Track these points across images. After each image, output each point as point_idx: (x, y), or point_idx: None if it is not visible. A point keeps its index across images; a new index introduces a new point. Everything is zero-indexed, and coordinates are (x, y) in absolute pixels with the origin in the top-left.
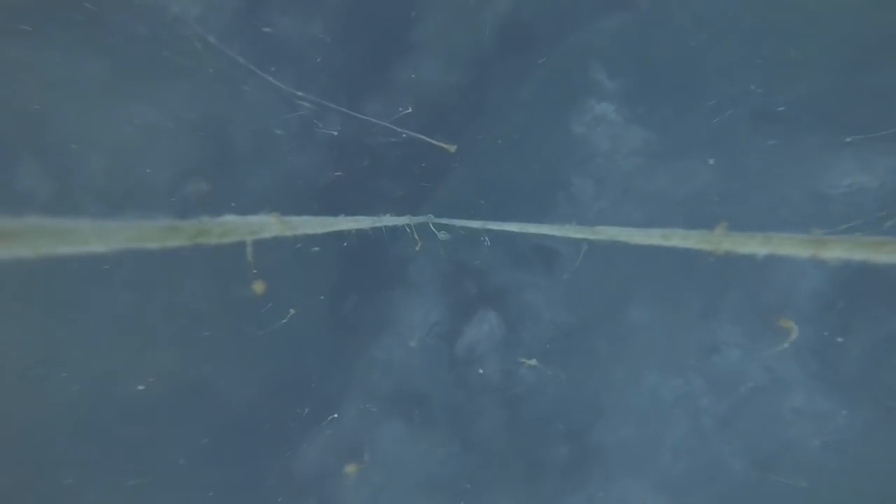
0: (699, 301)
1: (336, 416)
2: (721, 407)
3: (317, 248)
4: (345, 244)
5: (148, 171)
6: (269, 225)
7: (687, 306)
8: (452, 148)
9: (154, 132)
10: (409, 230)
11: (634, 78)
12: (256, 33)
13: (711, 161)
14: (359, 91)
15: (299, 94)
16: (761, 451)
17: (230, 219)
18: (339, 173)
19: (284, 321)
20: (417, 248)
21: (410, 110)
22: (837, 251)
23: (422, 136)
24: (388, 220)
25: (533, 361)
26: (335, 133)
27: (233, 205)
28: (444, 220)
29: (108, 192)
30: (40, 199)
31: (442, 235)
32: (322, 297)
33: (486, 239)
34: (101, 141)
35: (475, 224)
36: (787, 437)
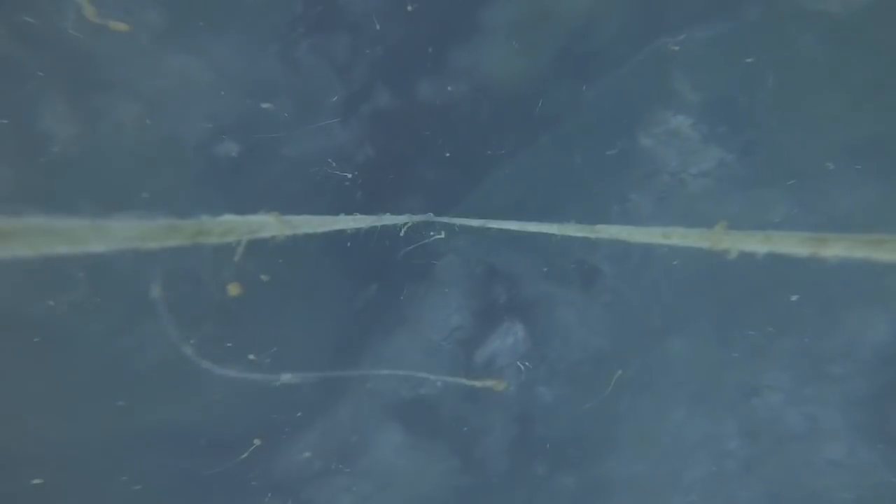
0: (749, 340)
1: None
2: (749, 451)
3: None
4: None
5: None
6: (269, 224)
7: (734, 344)
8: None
9: None
10: (407, 229)
11: (722, 94)
12: None
13: (790, 182)
14: (413, 75)
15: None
16: (783, 501)
17: (230, 218)
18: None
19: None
20: (434, 237)
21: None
22: (837, 249)
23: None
24: (389, 220)
25: (441, 234)
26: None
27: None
28: (444, 220)
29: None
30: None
31: (433, 234)
32: (334, 293)
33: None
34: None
35: (475, 223)
36: (815, 487)
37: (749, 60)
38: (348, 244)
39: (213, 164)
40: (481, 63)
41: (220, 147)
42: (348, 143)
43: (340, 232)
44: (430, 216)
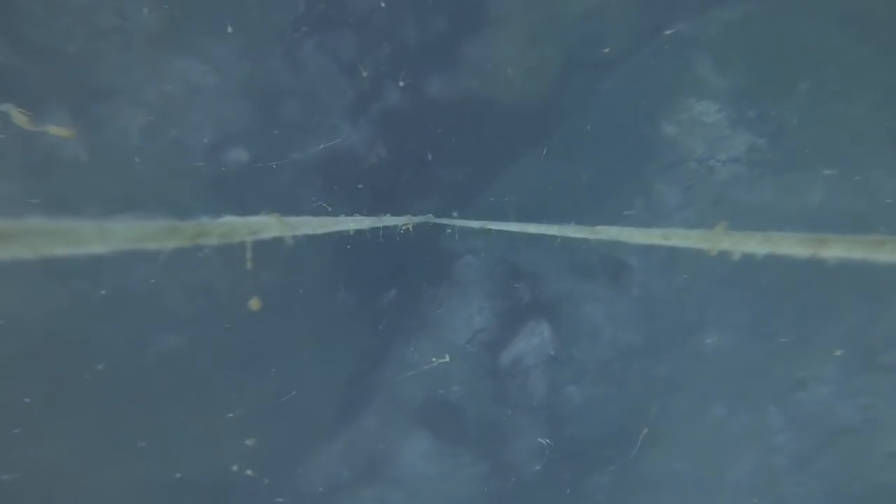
0: (789, 331)
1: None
2: (799, 446)
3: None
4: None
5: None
6: (270, 225)
7: (773, 336)
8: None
9: None
10: (408, 229)
11: (750, 76)
12: None
13: (828, 172)
14: (426, 70)
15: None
16: (844, 495)
17: (230, 219)
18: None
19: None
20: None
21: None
22: (837, 250)
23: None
24: (389, 220)
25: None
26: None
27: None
28: (443, 220)
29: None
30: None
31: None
32: (350, 294)
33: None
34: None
35: (475, 224)
36: (877, 481)
37: (775, 40)
38: (361, 251)
39: (218, 169)
40: (492, 57)
41: (226, 152)
42: (359, 145)
43: (352, 238)
44: (431, 217)
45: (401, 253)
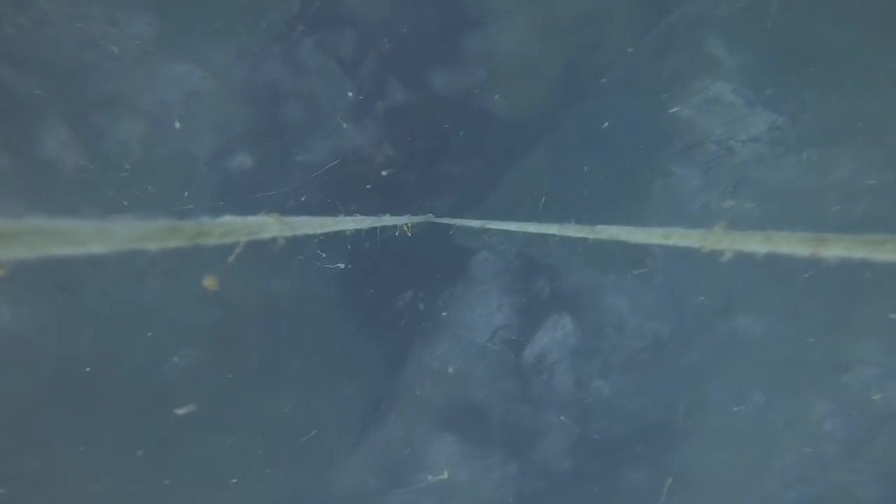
0: (827, 313)
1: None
2: (848, 432)
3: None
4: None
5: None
6: (269, 225)
7: (810, 319)
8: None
9: None
10: (406, 229)
11: (764, 55)
12: None
13: (852, 148)
14: (426, 66)
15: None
16: None
17: (229, 219)
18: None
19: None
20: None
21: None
22: (837, 249)
23: None
24: (388, 220)
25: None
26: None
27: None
28: (443, 220)
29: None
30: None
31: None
32: (371, 293)
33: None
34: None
35: (475, 223)
36: None
37: (787, 16)
38: (371, 252)
39: (222, 175)
40: (496, 48)
41: (229, 157)
42: (365, 145)
43: (361, 239)
44: (430, 217)
45: (412, 252)
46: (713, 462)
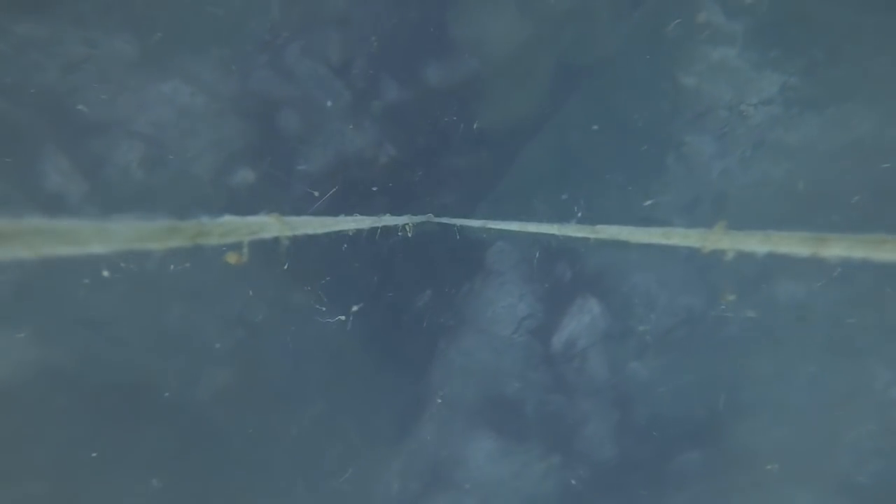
0: (879, 271)
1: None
2: None
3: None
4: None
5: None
6: (269, 225)
7: (861, 279)
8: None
9: None
10: (407, 229)
11: (763, 18)
12: None
13: (872, 100)
14: (417, 59)
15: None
16: None
17: (230, 219)
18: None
19: (343, 319)
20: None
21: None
22: (837, 249)
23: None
24: (389, 220)
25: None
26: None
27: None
28: (443, 220)
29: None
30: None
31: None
32: (390, 294)
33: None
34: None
35: (475, 223)
36: None
37: None
38: (380, 252)
39: (227, 192)
40: (487, 33)
41: (231, 173)
42: (366, 147)
43: (368, 239)
44: (430, 216)
45: (423, 251)
46: (776, 439)
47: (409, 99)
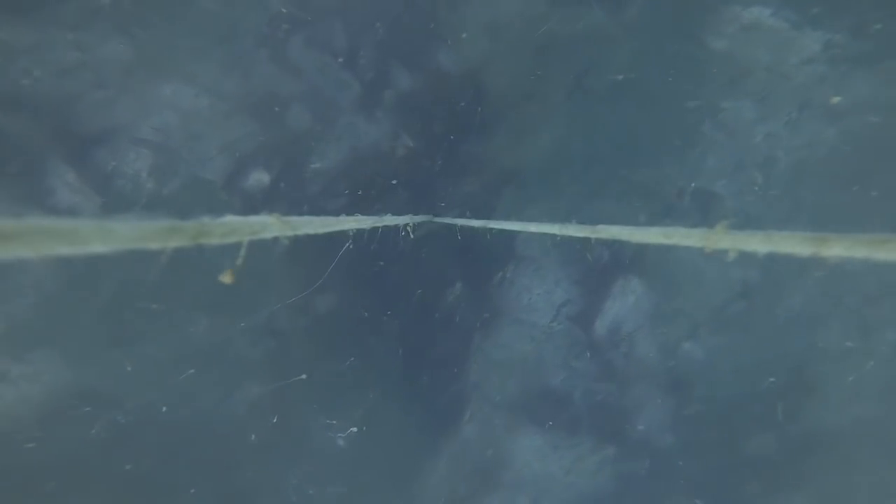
0: None
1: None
2: None
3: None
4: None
5: None
6: (270, 225)
7: None
8: None
9: None
10: (409, 229)
11: None
12: None
13: None
14: (426, 47)
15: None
16: None
17: (231, 219)
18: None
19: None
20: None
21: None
22: (838, 249)
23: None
24: (389, 220)
25: None
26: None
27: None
28: (445, 220)
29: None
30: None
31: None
32: (419, 292)
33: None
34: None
35: (476, 223)
36: None
37: None
38: (399, 249)
39: (241, 196)
40: (498, 12)
41: (244, 176)
42: (381, 140)
43: (381, 236)
44: (431, 217)
45: (448, 243)
46: (858, 417)
47: (420, 87)
